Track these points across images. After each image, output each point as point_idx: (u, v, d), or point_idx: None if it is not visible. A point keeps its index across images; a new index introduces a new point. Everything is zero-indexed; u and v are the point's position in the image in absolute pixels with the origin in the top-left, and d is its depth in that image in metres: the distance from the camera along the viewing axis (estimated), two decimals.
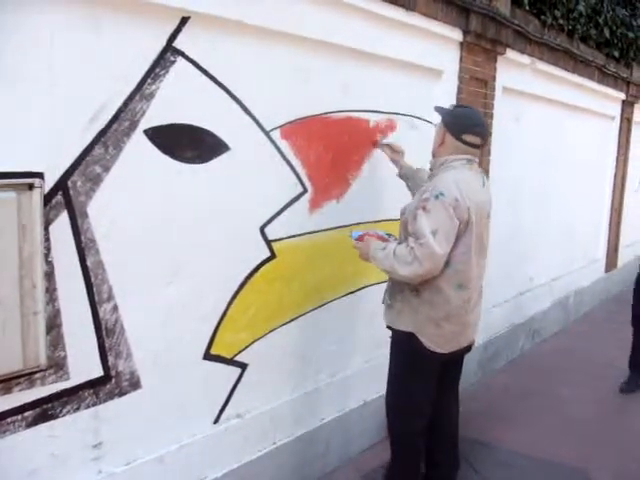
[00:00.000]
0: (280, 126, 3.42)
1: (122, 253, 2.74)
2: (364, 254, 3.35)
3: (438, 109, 3.46)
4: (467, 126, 3.28)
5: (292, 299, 3.67)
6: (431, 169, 3.41)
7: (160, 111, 2.81)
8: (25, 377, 2.46)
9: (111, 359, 2.77)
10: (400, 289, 3.31)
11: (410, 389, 3.40)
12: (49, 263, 2.48)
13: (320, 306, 3.88)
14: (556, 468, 4.25)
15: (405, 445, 3.50)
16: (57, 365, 2.56)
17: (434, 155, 3.40)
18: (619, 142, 8.74)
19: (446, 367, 3.48)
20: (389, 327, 3.43)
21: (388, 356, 3.42)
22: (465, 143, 3.27)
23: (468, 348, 3.53)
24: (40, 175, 2.39)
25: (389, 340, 3.44)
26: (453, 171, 3.22)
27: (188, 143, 2.96)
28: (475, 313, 3.41)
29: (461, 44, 4.77)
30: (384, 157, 4.04)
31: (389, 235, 3.45)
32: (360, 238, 3.42)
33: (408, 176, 3.90)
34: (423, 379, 3.38)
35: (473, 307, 3.35)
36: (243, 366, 3.42)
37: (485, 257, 3.39)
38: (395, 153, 3.99)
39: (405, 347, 3.34)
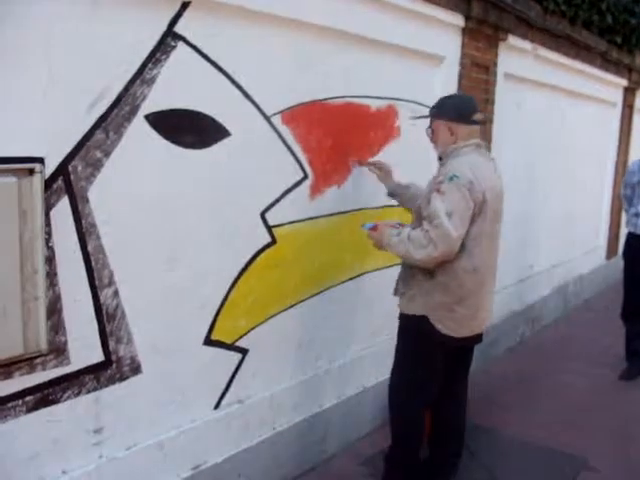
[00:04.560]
0: (281, 111, 3.41)
1: (123, 238, 2.74)
2: (378, 242, 3.37)
3: (424, 115, 3.56)
4: (472, 108, 3.38)
5: (292, 285, 3.67)
6: (440, 158, 3.43)
7: (161, 96, 2.79)
8: (26, 362, 2.46)
9: (112, 344, 2.77)
10: (412, 275, 3.33)
11: (416, 372, 3.42)
12: (50, 248, 2.47)
13: (320, 292, 3.88)
14: (555, 454, 4.26)
15: (406, 428, 3.52)
16: (58, 350, 2.57)
17: (443, 151, 3.41)
18: (621, 129, 8.73)
19: (457, 356, 3.51)
20: (401, 314, 3.45)
21: (388, 342, 3.42)
22: (475, 123, 3.37)
23: (479, 337, 3.52)
24: (41, 160, 2.39)
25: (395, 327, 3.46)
26: (465, 156, 3.26)
27: (189, 128, 2.95)
28: (488, 298, 3.42)
29: (463, 30, 4.75)
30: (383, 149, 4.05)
31: (400, 224, 3.45)
32: (373, 229, 3.43)
33: (397, 192, 3.86)
34: (430, 363, 3.40)
35: (486, 292, 3.37)
36: (244, 352, 3.42)
37: (498, 241, 3.44)
38: (382, 171, 3.92)
39: (415, 331, 3.36)
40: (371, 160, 3.98)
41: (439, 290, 3.24)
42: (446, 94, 3.68)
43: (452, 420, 3.68)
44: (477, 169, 3.19)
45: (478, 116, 3.38)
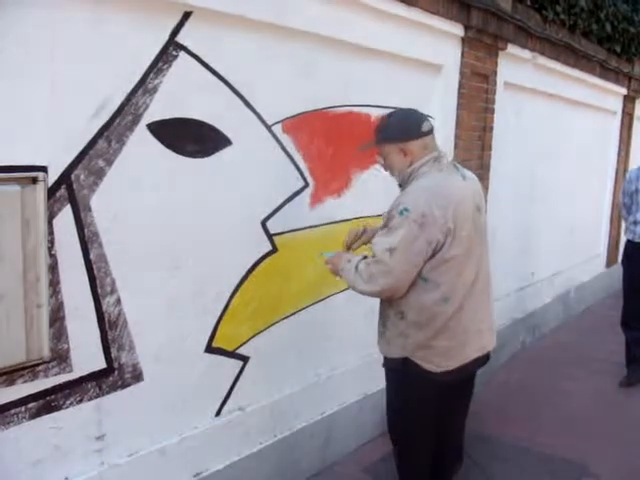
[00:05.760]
0: (282, 120, 3.44)
1: (125, 246, 2.76)
2: (335, 267, 3.09)
3: (371, 144, 3.14)
4: (415, 120, 2.99)
5: (293, 293, 3.69)
6: (400, 185, 3.08)
7: (163, 105, 2.82)
8: (28, 369, 2.48)
9: (114, 351, 2.79)
10: (387, 314, 3.05)
11: (415, 424, 3.14)
12: (52, 256, 2.50)
13: (321, 300, 3.90)
14: (555, 461, 4.27)
15: (410, 463, 3.28)
16: (60, 357, 2.58)
17: (401, 172, 3.03)
18: (620, 137, 8.75)
19: (455, 389, 3.15)
20: (384, 357, 3.16)
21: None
22: (426, 134, 2.96)
23: (482, 360, 3.15)
24: (44, 169, 2.41)
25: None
26: (422, 179, 2.92)
27: (190, 137, 2.98)
28: (475, 320, 3.02)
29: (462, 39, 4.78)
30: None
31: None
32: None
33: None
34: (427, 409, 3.10)
35: (470, 316, 2.99)
36: (245, 359, 3.44)
37: (479, 255, 3.02)
38: (365, 235, 3.34)
39: (401, 374, 3.06)
40: (348, 240, 3.32)
41: (413, 329, 2.94)
42: (395, 111, 3.26)
43: (451, 446, 3.45)
44: (436, 195, 2.83)
45: (427, 125, 2.97)
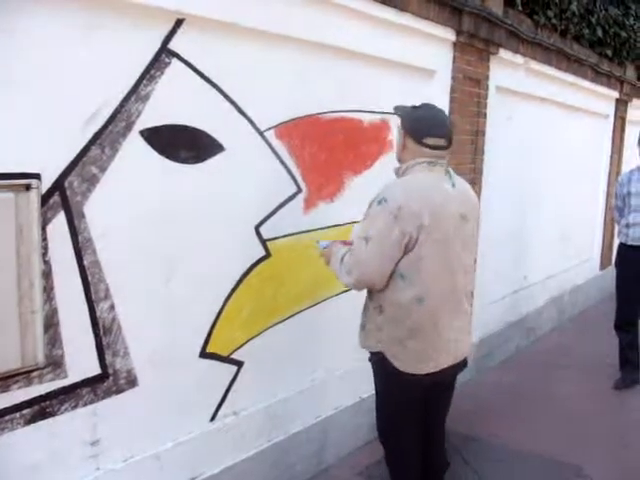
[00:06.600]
0: (274, 126, 3.45)
1: (119, 252, 2.77)
2: (327, 258, 3.14)
3: (398, 109, 3.16)
4: (428, 129, 2.96)
5: (287, 297, 3.70)
6: (396, 174, 3.08)
7: (155, 112, 2.84)
8: (23, 375, 2.49)
9: (108, 357, 2.80)
10: (366, 307, 3.09)
11: (395, 417, 3.16)
12: (46, 263, 2.51)
13: (315, 304, 3.91)
14: (549, 463, 4.28)
15: (398, 464, 3.28)
16: (55, 363, 2.59)
17: (399, 160, 3.10)
18: (613, 141, 8.77)
19: (433, 389, 3.12)
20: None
21: None
22: (428, 147, 2.95)
23: (458, 367, 3.13)
24: (37, 176, 2.42)
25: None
26: (409, 176, 2.95)
27: (183, 144, 2.99)
28: (452, 329, 2.99)
29: (454, 44, 4.80)
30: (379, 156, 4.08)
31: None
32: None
33: None
34: (405, 405, 3.10)
35: (447, 322, 2.96)
36: (239, 364, 3.45)
37: (459, 264, 2.97)
38: None
39: (379, 368, 3.08)
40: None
41: (389, 324, 2.94)
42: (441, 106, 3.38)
43: (435, 446, 3.38)
44: (416, 191, 2.85)
45: (433, 141, 2.94)
